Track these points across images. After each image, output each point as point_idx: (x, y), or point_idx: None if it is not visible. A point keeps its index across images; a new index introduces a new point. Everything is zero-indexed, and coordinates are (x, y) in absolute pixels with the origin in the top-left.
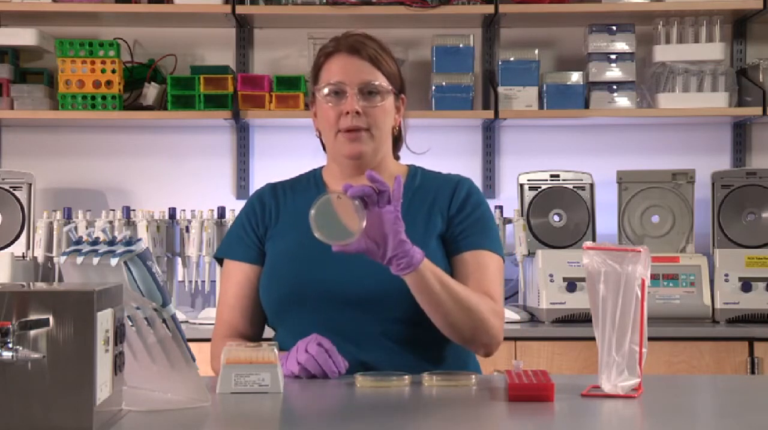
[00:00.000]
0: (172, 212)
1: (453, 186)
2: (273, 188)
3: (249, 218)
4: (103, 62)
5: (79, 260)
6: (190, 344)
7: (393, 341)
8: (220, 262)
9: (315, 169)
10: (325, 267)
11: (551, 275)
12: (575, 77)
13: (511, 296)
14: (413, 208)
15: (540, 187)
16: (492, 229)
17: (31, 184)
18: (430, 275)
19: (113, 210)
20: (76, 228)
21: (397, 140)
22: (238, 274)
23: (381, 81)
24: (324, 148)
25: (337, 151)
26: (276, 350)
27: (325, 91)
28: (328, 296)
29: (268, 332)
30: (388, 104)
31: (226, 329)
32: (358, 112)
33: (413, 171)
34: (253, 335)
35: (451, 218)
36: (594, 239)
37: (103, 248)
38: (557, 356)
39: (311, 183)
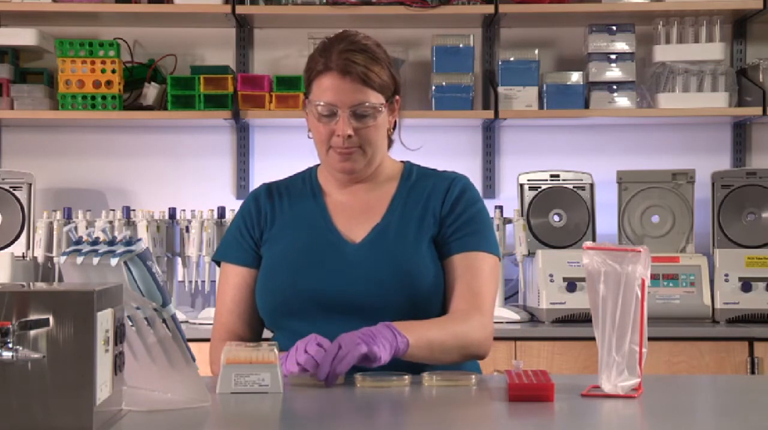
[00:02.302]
0: (172, 212)
1: (447, 185)
2: (268, 190)
3: (245, 220)
4: (103, 62)
5: (79, 260)
6: (190, 344)
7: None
8: (218, 263)
9: (311, 168)
10: (320, 274)
11: (551, 275)
12: (575, 77)
13: (511, 296)
14: (407, 209)
15: (540, 187)
16: (485, 227)
17: (31, 184)
18: (417, 351)
19: (113, 210)
20: (76, 228)
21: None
22: (235, 278)
23: (372, 100)
24: None
25: (328, 164)
26: (276, 350)
27: (317, 110)
28: (323, 304)
29: (267, 333)
30: (381, 120)
31: (224, 332)
32: (350, 135)
33: (408, 168)
34: (252, 338)
35: (443, 218)
36: (594, 239)
37: (103, 248)
38: (557, 356)
39: (307, 186)
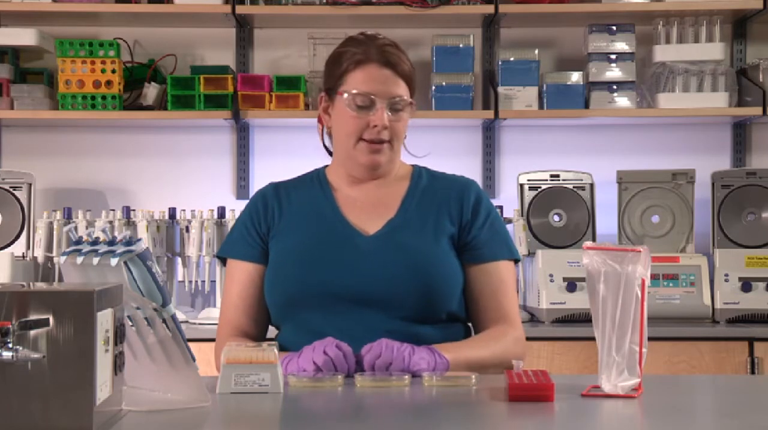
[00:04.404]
0: (172, 212)
1: (460, 190)
2: (276, 188)
3: (252, 216)
4: (103, 62)
5: (79, 260)
6: (190, 344)
7: (398, 339)
8: (223, 261)
9: (318, 169)
10: (331, 267)
11: (551, 275)
12: (575, 77)
13: None
14: (422, 208)
15: (540, 187)
16: (504, 232)
17: (31, 184)
18: (458, 369)
19: (113, 210)
20: (76, 228)
21: None
22: (241, 274)
23: (406, 95)
24: (326, 150)
25: (354, 158)
26: (276, 350)
27: (354, 100)
28: (334, 296)
29: (272, 331)
30: (407, 116)
31: (230, 328)
32: (385, 127)
33: (417, 171)
34: (258, 334)
35: (464, 226)
36: (594, 239)
37: (103, 248)
38: (557, 356)
39: (315, 182)
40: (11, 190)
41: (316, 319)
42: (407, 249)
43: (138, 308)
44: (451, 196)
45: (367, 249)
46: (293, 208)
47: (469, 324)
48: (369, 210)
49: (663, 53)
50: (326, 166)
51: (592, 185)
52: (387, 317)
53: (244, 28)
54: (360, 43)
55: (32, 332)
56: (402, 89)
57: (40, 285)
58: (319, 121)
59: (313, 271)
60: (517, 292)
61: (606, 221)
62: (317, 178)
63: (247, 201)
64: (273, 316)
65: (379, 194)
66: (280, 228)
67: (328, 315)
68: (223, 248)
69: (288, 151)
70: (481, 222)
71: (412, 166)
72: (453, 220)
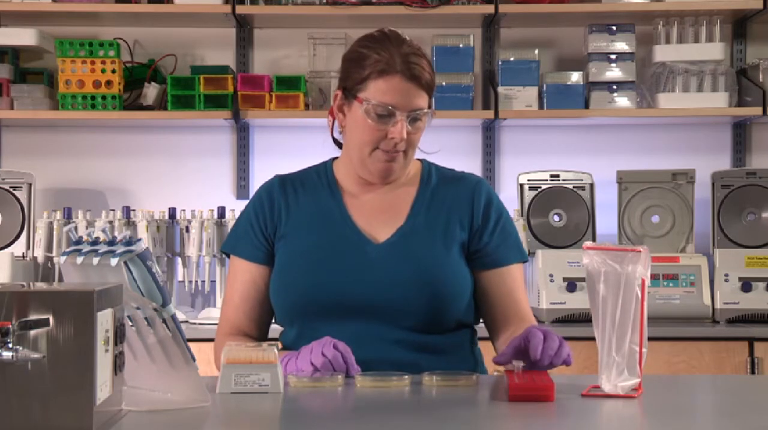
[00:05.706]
0: (172, 212)
1: (470, 191)
2: (282, 182)
3: (257, 214)
4: (103, 62)
5: (79, 260)
6: (190, 344)
7: (406, 348)
8: (227, 254)
9: (326, 162)
10: (340, 275)
11: (551, 275)
12: (575, 77)
13: None
14: (432, 214)
15: (540, 187)
16: (514, 234)
17: (31, 184)
18: None
19: (113, 210)
20: (76, 228)
21: None
22: (244, 274)
23: (426, 105)
24: (336, 144)
25: (366, 165)
26: (276, 350)
27: (374, 110)
28: (342, 305)
29: (274, 331)
30: (425, 123)
31: (229, 327)
32: (403, 139)
33: (426, 169)
34: (258, 336)
35: (475, 232)
36: (594, 239)
37: (103, 248)
38: None
39: (322, 180)
40: (11, 190)
41: (322, 326)
42: (417, 258)
43: (138, 308)
44: (461, 200)
45: (376, 257)
46: (301, 208)
47: (475, 327)
48: (378, 215)
49: (663, 53)
50: (333, 159)
51: (592, 185)
52: (395, 326)
53: (244, 28)
54: (383, 46)
55: (32, 332)
56: (423, 100)
57: (40, 285)
58: (330, 113)
59: (321, 278)
60: None
61: (606, 221)
62: (325, 175)
63: (247, 201)
64: (278, 317)
65: (388, 198)
66: (288, 229)
67: (334, 323)
68: (227, 242)
69: (288, 151)
70: (492, 227)
71: (421, 162)
72: (464, 225)
